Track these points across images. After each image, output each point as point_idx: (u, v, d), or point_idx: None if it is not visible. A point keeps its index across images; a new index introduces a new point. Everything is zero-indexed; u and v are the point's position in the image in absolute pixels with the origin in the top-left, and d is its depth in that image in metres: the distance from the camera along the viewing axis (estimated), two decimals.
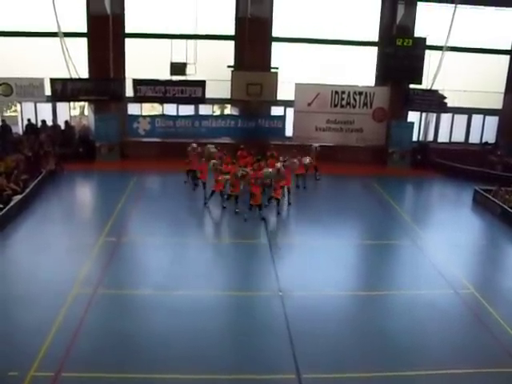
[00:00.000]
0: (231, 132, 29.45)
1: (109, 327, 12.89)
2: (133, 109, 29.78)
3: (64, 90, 27.78)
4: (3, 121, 28.98)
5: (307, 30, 29.41)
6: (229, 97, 28.87)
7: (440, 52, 28.89)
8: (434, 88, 29.39)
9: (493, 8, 29.91)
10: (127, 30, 28.76)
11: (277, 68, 28.71)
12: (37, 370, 11.01)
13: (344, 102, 29.58)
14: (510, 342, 12.86)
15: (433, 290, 15.53)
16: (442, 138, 32.31)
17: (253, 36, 28.06)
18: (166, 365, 11.44)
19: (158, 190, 25.63)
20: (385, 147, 30.38)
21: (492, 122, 32.17)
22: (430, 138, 31.94)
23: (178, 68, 27.69)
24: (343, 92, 29.43)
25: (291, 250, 18.45)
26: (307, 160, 24.94)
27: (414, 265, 17.50)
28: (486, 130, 32.22)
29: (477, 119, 32.07)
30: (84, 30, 28.27)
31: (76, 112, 32.17)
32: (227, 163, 23.61)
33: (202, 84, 28.18)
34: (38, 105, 29.57)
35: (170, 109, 30.01)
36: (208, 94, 28.51)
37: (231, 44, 29.41)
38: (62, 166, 26.17)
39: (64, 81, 27.68)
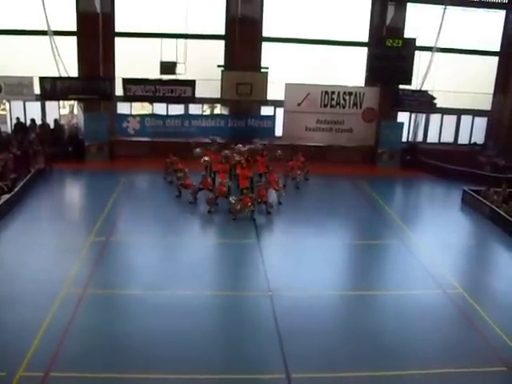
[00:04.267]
0: (221, 132, 29.39)
1: (98, 327, 12.85)
2: (122, 108, 29.70)
3: (53, 88, 27.63)
4: None
5: (297, 30, 29.44)
6: (219, 96, 28.85)
7: (429, 53, 29.03)
8: (423, 89, 29.53)
9: (482, 10, 30.07)
10: (117, 29, 28.67)
11: (267, 68, 28.69)
12: (25, 370, 10.95)
13: (334, 102, 29.62)
14: (497, 342, 12.93)
15: (421, 289, 15.59)
16: (431, 138, 32.44)
17: (243, 36, 28.05)
18: (155, 365, 11.42)
19: (148, 189, 25.55)
20: (374, 147, 30.48)
21: (481, 122, 32.33)
22: (420, 138, 32.03)
23: (167, 67, 27.62)
24: (333, 92, 29.47)
25: (281, 249, 18.50)
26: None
27: (402, 265, 17.56)
28: (474, 131, 32.37)
29: (466, 120, 32.22)
30: (73, 28, 28.14)
31: (65, 111, 32.04)
32: (218, 162, 23.72)
33: (191, 83, 28.13)
34: (27, 103, 29.38)
35: (160, 108, 29.94)
36: (198, 94, 28.45)
37: (221, 44, 29.40)
38: (51, 164, 26.06)
39: (53, 79, 27.54)
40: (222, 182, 21.88)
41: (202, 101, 30.00)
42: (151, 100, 29.34)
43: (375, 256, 18.60)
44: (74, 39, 28.19)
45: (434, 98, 29.52)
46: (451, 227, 21.47)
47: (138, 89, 28.16)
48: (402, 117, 31.12)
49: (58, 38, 27.25)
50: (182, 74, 27.93)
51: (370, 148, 30.55)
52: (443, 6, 28.43)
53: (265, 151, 25.72)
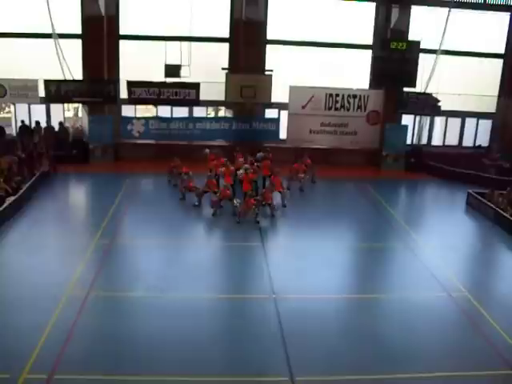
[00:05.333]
0: (225, 134, 29.42)
1: (102, 329, 12.86)
2: (127, 110, 29.72)
3: (58, 91, 27.69)
4: None
5: (302, 33, 29.43)
6: (223, 99, 28.85)
7: (434, 55, 28.97)
8: (427, 91, 29.43)
9: (486, 12, 30.03)
10: (121, 32, 28.72)
11: (271, 70, 28.68)
12: (29, 372, 10.96)
13: (338, 105, 29.58)
14: (502, 345, 12.88)
15: (426, 292, 15.56)
16: (436, 141, 32.41)
17: (247, 38, 28.05)
18: (159, 367, 11.42)
19: (152, 191, 25.59)
20: (379, 150, 30.44)
21: (485, 125, 32.25)
22: (424, 141, 31.97)
23: (172, 70, 27.60)
24: (337, 95, 29.42)
25: (285, 252, 18.48)
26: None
27: (407, 267, 17.52)
28: (479, 134, 32.29)
29: (470, 122, 32.15)
30: (78, 31, 28.20)
31: (70, 113, 32.10)
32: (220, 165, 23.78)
33: (196, 86, 28.15)
34: (31, 106, 29.46)
35: (164, 111, 29.96)
36: (202, 96, 28.46)
37: (226, 46, 29.42)
38: (55, 167, 26.11)
39: (58, 82, 27.60)
40: (226, 185, 21.89)
41: (207, 103, 30.01)
42: (155, 103, 29.38)
43: (380, 259, 18.56)
44: (78, 42, 28.25)
45: (439, 101, 29.45)
46: (456, 230, 21.45)
47: (143, 91, 28.17)
48: (407, 119, 31.05)
49: (62, 41, 27.27)
50: (186, 76, 27.89)
51: (375, 151, 30.50)
52: (448, 9, 28.39)
53: (269, 154, 25.76)
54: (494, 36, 30.68)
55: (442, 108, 29.80)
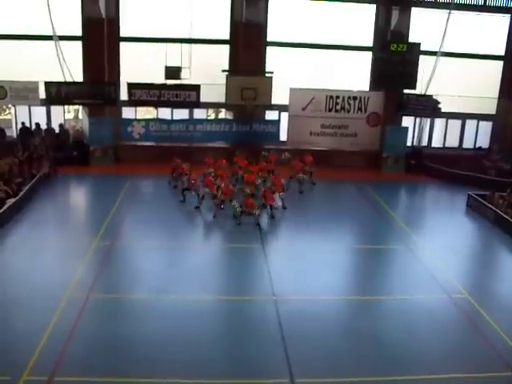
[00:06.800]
0: (225, 136, 29.42)
1: (102, 331, 12.87)
2: (127, 112, 29.70)
3: (58, 93, 27.68)
4: None
5: (302, 35, 29.45)
6: (223, 101, 28.85)
7: (434, 57, 28.98)
8: (428, 93, 29.44)
9: (486, 14, 30.05)
10: (122, 34, 28.73)
11: (271, 72, 28.69)
12: (30, 374, 10.96)
13: (338, 107, 29.59)
14: (503, 347, 12.89)
15: (427, 294, 15.56)
16: (436, 142, 32.39)
17: (248, 40, 28.04)
18: (160, 369, 11.42)
19: (152, 193, 25.57)
20: (379, 152, 30.44)
21: (486, 127, 32.24)
22: (424, 142, 31.98)
23: (172, 72, 27.61)
24: (338, 97, 29.44)
25: (285, 254, 18.47)
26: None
27: (407, 269, 17.52)
28: (479, 135, 32.27)
29: (470, 124, 32.13)
30: (79, 33, 28.20)
31: (70, 115, 32.10)
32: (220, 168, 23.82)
33: (196, 88, 28.16)
34: (32, 108, 29.46)
35: (165, 113, 29.96)
36: (202, 98, 28.46)
37: (226, 48, 29.42)
38: (55, 169, 26.12)
39: (58, 84, 27.60)
40: (227, 184, 21.82)
41: (207, 105, 29.97)
42: (156, 104, 29.37)
43: (380, 261, 18.56)
44: (79, 44, 28.25)
45: (439, 103, 29.45)
46: (456, 232, 21.45)
47: (143, 93, 28.17)
48: (407, 121, 31.06)
49: (63, 43, 27.31)
50: (186, 78, 27.93)
51: (375, 152, 30.50)
52: (448, 11, 28.41)
53: (271, 155, 25.82)
54: (494, 38, 30.69)
55: (442, 110, 29.78)
